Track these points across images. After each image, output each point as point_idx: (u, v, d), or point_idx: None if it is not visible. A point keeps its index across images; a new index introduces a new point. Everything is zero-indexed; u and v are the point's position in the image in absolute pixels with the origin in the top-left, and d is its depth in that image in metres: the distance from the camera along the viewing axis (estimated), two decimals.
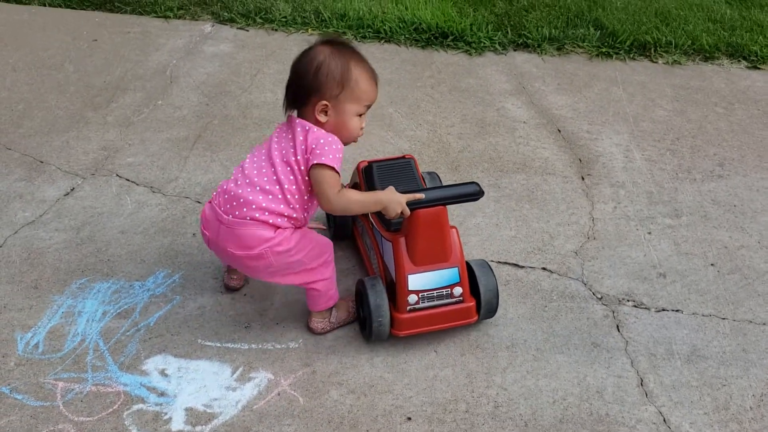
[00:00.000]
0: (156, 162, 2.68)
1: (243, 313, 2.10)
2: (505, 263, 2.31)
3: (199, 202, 2.50)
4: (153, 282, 2.19)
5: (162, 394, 1.85)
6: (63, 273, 2.20)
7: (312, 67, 1.80)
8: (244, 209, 1.83)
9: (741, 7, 3.83)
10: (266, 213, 1.83)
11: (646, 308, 2.17)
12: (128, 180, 2.59)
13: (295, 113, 1.89)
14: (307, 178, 1.84)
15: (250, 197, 1.83)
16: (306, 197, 1.88)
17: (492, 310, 2.05)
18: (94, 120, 2.89)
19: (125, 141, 2.78)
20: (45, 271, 2.20)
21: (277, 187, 1.83)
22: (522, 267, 2.30)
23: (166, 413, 1.80)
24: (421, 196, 1.89)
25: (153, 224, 2.41)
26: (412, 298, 1.95)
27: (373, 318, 1.93)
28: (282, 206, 1.84)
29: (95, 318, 2.07)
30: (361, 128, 1.91)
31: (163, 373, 1.91)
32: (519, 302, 2.17)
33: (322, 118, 1.83)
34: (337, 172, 1.83)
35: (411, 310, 1.96)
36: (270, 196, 1.83)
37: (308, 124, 1.84)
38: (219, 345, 1.99)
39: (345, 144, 1.88)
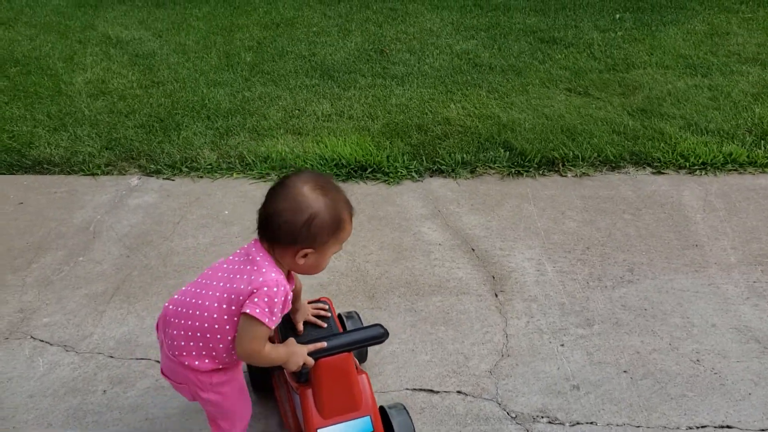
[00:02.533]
0: (72, 320, 2.67)
1: None
2: (421, 390, 2.30)
3: (111, 357, 2.47)
4: None
5: None
6: None
7: (304, 217, 1.71)
8: (175, 352, 1.82)
9: (642, 117, 4.06)
10: (195, 363, 1.81)
11: (560, 423, 2.16)
12: (42, 341, 2.57)
13: (261, 241, 1.80)
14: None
15: (182, 342, 1.80)
16: (232, 347, 1.80)
17: None
18: (12, 283, 2.90)
19: (43, 301, 2.78)
20: None
21: (208, 335, 1.77)
22: (437, 392, 2.29)
23: None
24: (323, 344, 1.87)
25: (63, 385, 2.37)
26: None
27: None
28: (207, 361, 1.81)
29: None
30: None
31: None
32: (433, 430, 2.14)
33: (300, 261, 1.77)
34: (267, 326, 1.73)
35: None
36: (193, 352, 1.79)
37: (265, 263, 1.75)
38: None
39: (312, 274, 1.86)
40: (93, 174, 3.77)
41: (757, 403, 2.20)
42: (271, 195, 1.77)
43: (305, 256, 1.76)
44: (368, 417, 1.91)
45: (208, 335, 1.78)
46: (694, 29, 5.49)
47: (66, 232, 3.26)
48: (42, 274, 2.96)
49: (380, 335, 1.94)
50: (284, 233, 1.73)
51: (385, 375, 2.36)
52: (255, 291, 1.70)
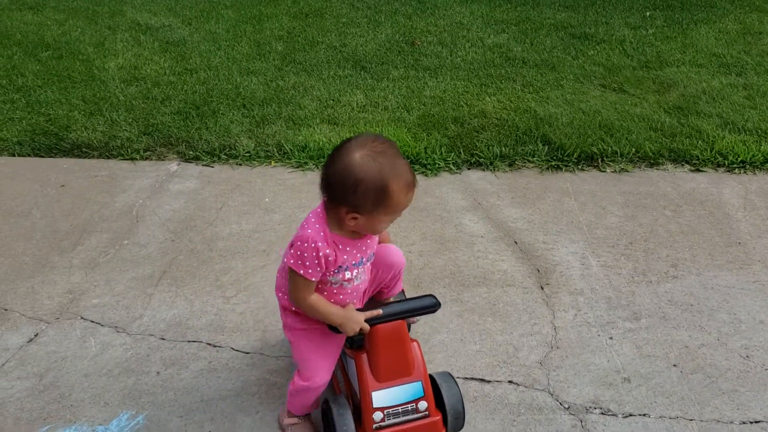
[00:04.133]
0: (121, 302, 2.70)
1: None
2: (472, 379, 2.32)
3: (163, 339, 2.50)
4: (116, 425, 2.16)
5: None
6: (24, 423, 2.16)
7: (349, 182, 1.73)
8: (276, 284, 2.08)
9: (679, 115, 4.07)
10: (279, 294, 2.05)
11: (613, 415, 2.17)
12: (93, 322, 2.60)
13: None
14: None
15: (276, 275, 2.09)
16: None
17: (459, 424, 2.03)
18: (59, 264, 2.93)
19: (90, 283, 2.81)
20: (6, 422, 2.16)
21: (281, 273, 2.02)
22: (488, 381, 2.31)
23: None
24: (378, 312, 1.92)
25: (117, 365, 2.39)
26: (378, 416, 1.93)
27: None
28: (281, 294, 2.02)
29: None
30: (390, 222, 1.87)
31: None
32: (487, 418, 2.16)
33: (351, 222, 1.80)
34: (304, 277, 1.83)
35: (377, 428, 1.93)
36: (278, 284, 2.04)
37: (311, 220, 1.84)
38: None
39: (371, 234, 1.89)
40: (132, 159, 3.80)
41: None
42: (331, 155, 1.81)
43: (354, 218, 1.78)
44: (419, 382, 1.96)
45: (281, 272, 2.02)
46: (726, 28, 5.48)
47: (109, 215, 3.28)
48: (88, 256, 2.98)
49: (433, 305, 1.98)
50: (334, 195, 1.78)
51: (435, 364, 2.38)
52: (292, 243, 1.84)
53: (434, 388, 2.02)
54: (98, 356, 2.43)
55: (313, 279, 1.85)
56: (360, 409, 1.95)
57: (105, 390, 2.29)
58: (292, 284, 1.89)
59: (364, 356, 1.95)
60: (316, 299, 1.90)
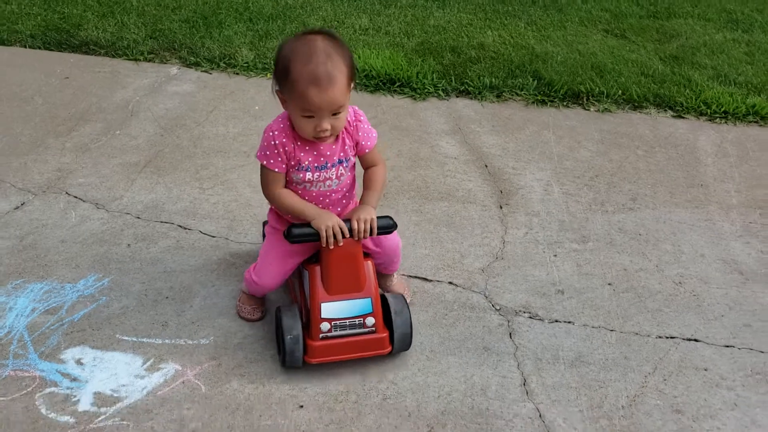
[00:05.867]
0: (105, 183, 2.89)
1: (162, 313, 2.25)
2: (415, 277, 2.48)
3: (138, 218, 2.69)
4: (83, 284, 2.36)
5: (75, 379, 2.00)
6: (1, 274, 2.37)
7: (275, 55, 1.89)
8: None
9: (673, 64, 4.10)
10: None
11: (540, 319, 2.32)
12: (76, 197, 2.79)
13: None
14: None
15: None
16: None
17: (406, 344, 2.11)
18: (53, 146, 3.11)
19: (79, 164, 3.00)
20: None
21: None
22: (430, 281, 2.46)
23: (75, 396, 1.94)
24: None
25: (92, 235, 2.59)
26: (325, 326, 2.01)
27: (286, 344, 2.01)
28: None
29: (24, 313, 2.23)
30: (318, 130, 1.87)
31: (78, 362, 2.06)
32: (422, 311, 2.33)
33: (284, 106, 1.92)
34: (268, 168, 1.96)
35: (324, 338, 2.02)
36: None
37: (279, 116, 1.98)
38: (135, 339, 2.14)
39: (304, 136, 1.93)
40: (135, 59, 3.95)
41: (728, 324, 2.33)
42: None
43: (283, 101, 1.90)
44: (369, 299, 2.06)
45: None
46: None
47: (107, 107, 3.45)
48: (81, 141, 3.17)
49: (389, 225, 2.08)
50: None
51: None
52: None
53: (386, 308, 2.10)
54: (76, 227, 2.63)
55: (276, 170, 1.96)
56: (310, 318, 2.06)
57: (77, 255, 2.49)
58: (262, 178, 2.01)
59: (317, 269, 2.04)
60: (285, 192, 2.01)
